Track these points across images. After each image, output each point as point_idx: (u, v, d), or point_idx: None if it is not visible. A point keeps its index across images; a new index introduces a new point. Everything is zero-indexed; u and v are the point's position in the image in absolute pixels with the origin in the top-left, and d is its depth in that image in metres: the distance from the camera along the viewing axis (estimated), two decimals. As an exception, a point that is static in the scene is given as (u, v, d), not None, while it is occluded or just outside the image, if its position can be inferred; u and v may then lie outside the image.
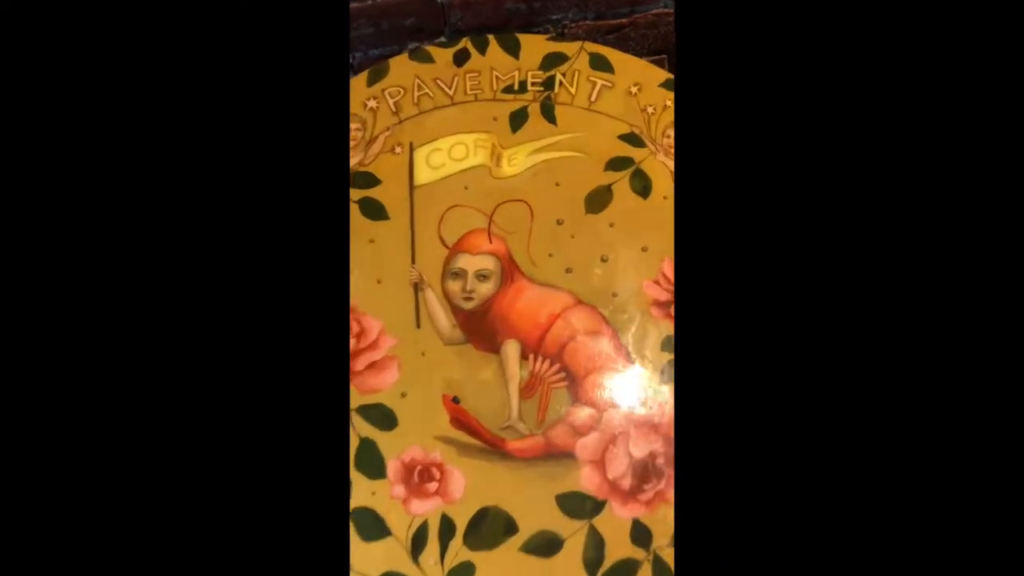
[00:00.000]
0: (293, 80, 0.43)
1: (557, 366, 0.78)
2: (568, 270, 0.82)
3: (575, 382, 0.78)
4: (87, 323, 0.41)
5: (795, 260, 0.42)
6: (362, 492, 0.73)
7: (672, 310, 0.79)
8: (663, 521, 0.72)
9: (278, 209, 0.43)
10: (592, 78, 0.90)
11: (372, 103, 0.89)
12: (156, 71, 0.42)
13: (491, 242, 0.83)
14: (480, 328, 0.81)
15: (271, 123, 0.43)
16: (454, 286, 0.82)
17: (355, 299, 0.79)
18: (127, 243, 0.42)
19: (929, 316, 0.40)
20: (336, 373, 0.44)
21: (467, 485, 0.74)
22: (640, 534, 0.72)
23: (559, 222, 0.84)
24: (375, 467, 0.74)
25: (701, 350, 0.42)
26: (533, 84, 0.90)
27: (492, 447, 0.75)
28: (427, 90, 0.90)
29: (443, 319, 0.81)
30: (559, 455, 0.75)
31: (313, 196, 0.43)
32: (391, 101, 0.90)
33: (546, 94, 0.90)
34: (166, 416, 0.41)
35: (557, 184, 0.86)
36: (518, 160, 0.86)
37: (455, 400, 0.77)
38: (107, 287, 0.41)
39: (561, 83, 0.90)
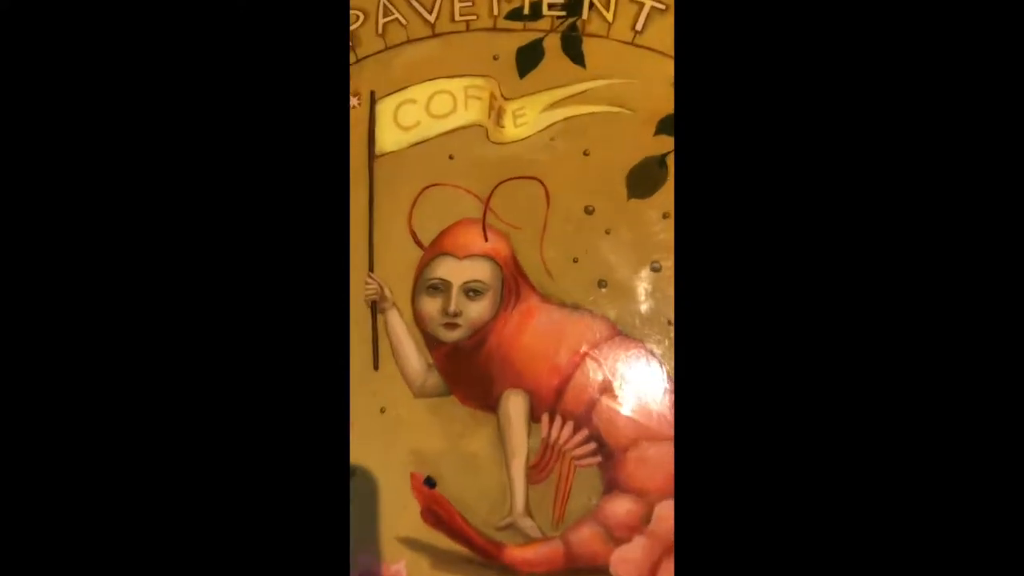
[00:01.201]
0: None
1: (584, 433, 0.69)
2: (601, 283, 0.72)
3: (611, 458, 0.69)
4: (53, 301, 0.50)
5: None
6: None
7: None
8: None
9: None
10: (637, -3, 0.76)
11: (318, 34, 0.79)
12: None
13: (487, 240, 0.72)
14: (469, 371, 0.72)
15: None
16: (431, 306, 0.71)
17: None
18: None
19: (929, 322, 0.49)
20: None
21: (446, 614, 0.67)
22: None
23: (588, 211, 0.73)
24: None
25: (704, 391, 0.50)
26: (551, 7, 0.77)
27: (484, 556, 0.68)
28: (397, 15, 0.77)
29: (413, 356, 0.71)
30: (586, 570, 0.68)
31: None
32: (345, 30, 0.78)
33: (570, 21, 0.77)
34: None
35: (586, 153, 0.74)
36: (528, 117, 0.75)
37: (429, 483, 0.69)
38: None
39: (592, 5, 0.76)
